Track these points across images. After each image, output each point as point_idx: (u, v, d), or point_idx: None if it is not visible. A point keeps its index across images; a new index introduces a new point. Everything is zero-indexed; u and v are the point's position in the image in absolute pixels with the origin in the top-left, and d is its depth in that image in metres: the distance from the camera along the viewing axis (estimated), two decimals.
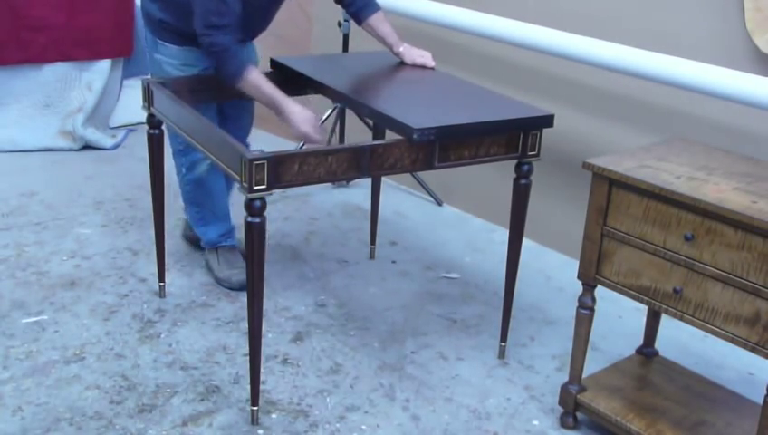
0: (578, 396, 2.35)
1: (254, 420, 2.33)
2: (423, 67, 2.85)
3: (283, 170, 2.11)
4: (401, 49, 2.85)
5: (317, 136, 2.51)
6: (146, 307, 2.88)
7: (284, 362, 2.63)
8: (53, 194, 3.78)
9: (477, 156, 2.38)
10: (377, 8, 2.87)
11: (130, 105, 4.68)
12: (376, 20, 2.86)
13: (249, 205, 2.12)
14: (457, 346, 2.79)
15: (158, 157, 2.76)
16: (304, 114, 2.49)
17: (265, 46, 4.59)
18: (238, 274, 3.00)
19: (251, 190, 2.08)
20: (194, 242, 3.30)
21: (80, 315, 2.80)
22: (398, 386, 2.55)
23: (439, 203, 3.99)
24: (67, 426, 2.27)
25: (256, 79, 2.51)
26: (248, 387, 2.34)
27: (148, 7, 2.82)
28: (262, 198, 2.11)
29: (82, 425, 2.27)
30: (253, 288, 2.20)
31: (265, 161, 2.07)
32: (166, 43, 2.80)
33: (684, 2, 2.92)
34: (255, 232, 2.14)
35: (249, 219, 2.13)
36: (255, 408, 2.33)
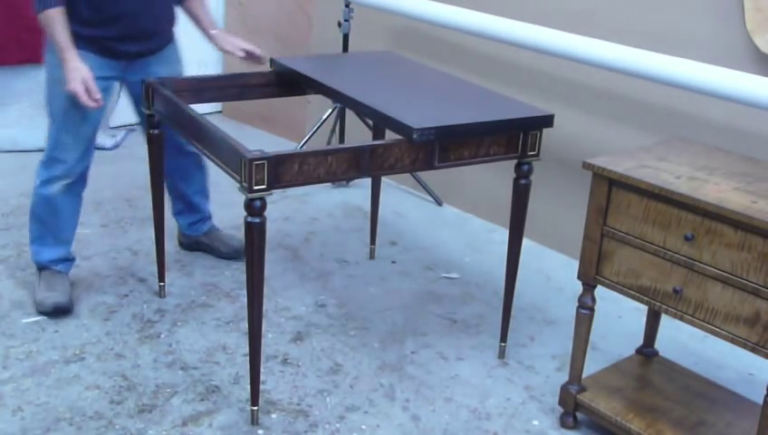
0: (578, 396, 2.35)
1: (254, 420, 2.33)
2: (420, 67, 2.85)
3: (283, 170, 2.11)
4: (215, 32, 2.84)
5: (85, 98, 2.50)
6: (146, 307, 2.88)
7: (284, 362, 2.63)
8: None
9: (477, 156, 2.38)
10: None
11: (130, 105, 4.67)
12: (194, 3, 2.85)
13: (249, 205, 2.11)
14: (457, 346, 2.79)
15: (158, 157, 2.77)
16: (80, 73, 2.49)
17: (265, 46, 4.60)
18: (54, 296, 2.78)
19: (251, 190, 2.08)
20: (191, 246, 3.29)
21: (80, 315, 2.80)
22: (398, 386, 2.55)
23: (439, 203, 3.99)
24: (67, 426, 2.27)
25: (53, 19, 2.48)
26: (248, 387, 2.34)
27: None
28: (262, 198, 2.11)
29: (82, 425, 2.27)
30: (253, 288, 2.20)
31: (265, 161, 2.07)
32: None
33: (684, 2, 2.92)
34: (255, 232, 2.14)
35: (249, 219, 2.13)
36: (255, 408, 2.33)
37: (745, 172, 2.14)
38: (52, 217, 2.84)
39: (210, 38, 2.85)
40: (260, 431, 2.30)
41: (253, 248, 2.16)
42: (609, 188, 2.14)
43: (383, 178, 3.47)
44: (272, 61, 2.86)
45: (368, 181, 3.34)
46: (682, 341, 2.86)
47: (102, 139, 4.42)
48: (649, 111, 3.09)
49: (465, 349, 2.78)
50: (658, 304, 2.10)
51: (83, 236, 3.38)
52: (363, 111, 2.49)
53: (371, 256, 3.39)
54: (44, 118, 4.34)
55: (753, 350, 1.94)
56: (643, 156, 2.22)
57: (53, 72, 2.64)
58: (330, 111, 4.04)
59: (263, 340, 2.72)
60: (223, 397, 2.44)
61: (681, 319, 2.06)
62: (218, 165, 2.27)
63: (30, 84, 4.36)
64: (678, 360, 2.63)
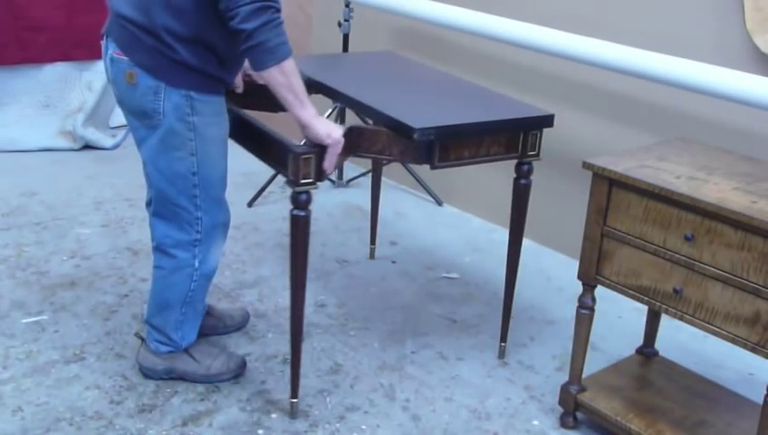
0: (578, 396, 2.35)
1: (294, 413, 2.35)
2: (421, 67, 2.84)
3: None
4: None
5: (333, 160, 2.17)
6: (146, 307, 2.87)
7: (284, 362, 2.63)
8: (53, 194, 3.78)
9: (477, 156, 2.38)
10: None
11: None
12: None
13: (295, 198, 2.18)
14: (457, 346, 2.79)
15: None
16: (332, 125, 2.18)
17: None
18: (228, 356, 2.54)
19: (297, 184, 2.14)
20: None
21: (80, 315, 2.80)
22: (398, 386, 2.55)
23: (439, 203, 3.99)
24: (67, 426, 2.27)
25: (295, 68, 2.11)
26: (248, 387, 2.34)
27: (176, 53, 2.11)
28: (307, 192, 2.17)
29: (82, 425, 2.27)
30: (296, 279, 2.28)
31: (312, 155, 2.12)
32: (208, 96, 2.19)
33: (684, 2, 2.92)
34: (300, 224, 2.22)
35: (295, 212, 2.20)
36: (295, 400, 2.35)
37: (745, 172, 2.14)
38: (204, 292, 2.48)
39: None
40: (260, 431, 2.30)
41: (297, 240, 2.23)
42: (609, 188, 2.14)
43: (383, 178, 3.47)
44: None
45: (368, 181, 3.34)
46: (682, 341, 2.86)
47: (102, 139, 4.43)
48: (649, 111, 3.09)
49: (465, 349, 2.78)
50: (658, 304, 2.10)
51: (83, 237, 3.38)
52: (363, 110, 2.49)
53: (371, 256, 3.39)
54: (44, 118, 4.41)
55: (753, 350, 1.94)
56: (643, 156, 2.22)
57: (207, 132, 2.22)
58: (330, 110, 4.04)
59: (262, 340, 2.73)
60: (223, 397, 2.43)
61: (681, 319, 2.06)
62: (264, 160, 2.32)
63: (30, 84, 4.37)
64: (678, 360, 2.63)
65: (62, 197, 3.76)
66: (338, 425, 2.35)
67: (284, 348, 2.70)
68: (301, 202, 2.17)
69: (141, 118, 2.18)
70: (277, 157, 2.22)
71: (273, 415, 2.37)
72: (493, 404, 2.50)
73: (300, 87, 2.11)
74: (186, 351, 2.49)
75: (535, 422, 2.43)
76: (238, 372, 2.52)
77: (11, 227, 3.42)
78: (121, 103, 2.24)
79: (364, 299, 3.05)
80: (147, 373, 2.49)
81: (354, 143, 2.25)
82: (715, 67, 2.60)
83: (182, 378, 2.48)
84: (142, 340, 2.52)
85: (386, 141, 2.27)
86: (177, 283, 2.37)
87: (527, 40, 3.08)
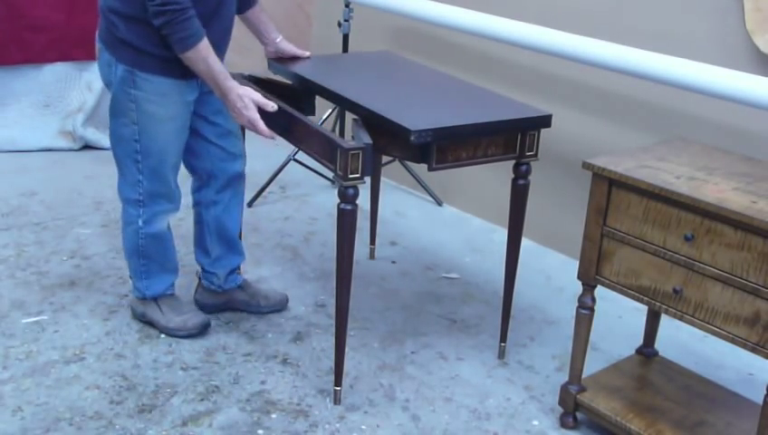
0: (578, 396, 2.35)
1: (337, 400, 2.41)
2: (417, 67, 2.84)
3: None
4: (280, 38, 2.77)
5: (263, 125, 2.35)
6: None
7: (284, 362, 2.63)
8: (53, 194, 3.78)
9: (475, 157, 2.37)
10: (255, 3, 2.73)
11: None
12: (255, 12, 2.72)
13: (343, 193, 2.21)
14: (457, 346, 2.79)
15: None
16: (249, 96, 2.34)
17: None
18: (191, 317, 2.72)
19: (346, 178, 2.17)
20: (218, 306, 2.88)
21: (80, 315, 2.80)
22: (398, 386, 2.55)
23: (439, 203, 3.99)
24: (67, 426, 2.27)
25: (207, 50, 2.30)
26: (248, 387, 2.34)
27: (118, 30, 2.39)
28: (355, 186, 2.20)
29: (82, 425, 2.27)
30: (342, 272, 2.29)
31: (360, 151, 2.16)
32: (150, 75, 2.39)
33: (684, 2, 2.92)
34: (347, 218, 2.25)
35: (342, 206, 2.23)
36: (339, 388, 2.41)
37: (745, 172, 2.14)
38: (160, 251, 2.68)
39: (277, 45, 2.76)
40: (260, 431, 2.30)
41: (344, 234, 2.26)
42: (609, 188, 2.14)
43: (383, 178, 3.47)
44: (270, 63, 2.84)
45: (367, 181, 3.34)
46: (682, 341, 2.86)
47: (102, 139, 4.43)
48: (649, 111, 3.09)
49: (465, 349, 2.78)
50: (658, 304, 2.10)
51: (83, 237, 3.38)
52: (360, 112, 2.48)
53: (371, 256, 3.39)
54: (44, 118, 4.40)
55: (753, 350, 1.94)
56: (643, 156, 2.22)
57: (147, 108, 2.42)
58: (329, 111, 4.04)
59: (262, 340, 2.73)
60: (223, 397, 2.44)
61: (681, 319, 2.06)
62: (311, 155, 2.36)
63: (30, 84, 4.37)
64: (678, 360, 2.63)
65: (62, 197, 3.76)
66: (338, 425, 2.35)
67: (284, 348, 2.70)
68: (348, 196, 2.22)
69: (107, 87, 2.51)
70: (325, 153, 2.27)
71: (273, 415, 2.38)
72: (493, 404, 2.50)
73: (210, 70, 2.32)
74: (155, 300, 2.73)
75: (535, 422, 2.43)
76: (193, 332, 2.70)
77: (11, 227, 3.42)
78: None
79: (364, 299, 3.05)
80: (132, 312, 2.80)
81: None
82: (715, 67, 2.60)
83: (151, 324, 2.74)
84: None
85: (384, 141, 2.27)
86: (127, 235, 2.65)
87: (527, 40, 3.07)
